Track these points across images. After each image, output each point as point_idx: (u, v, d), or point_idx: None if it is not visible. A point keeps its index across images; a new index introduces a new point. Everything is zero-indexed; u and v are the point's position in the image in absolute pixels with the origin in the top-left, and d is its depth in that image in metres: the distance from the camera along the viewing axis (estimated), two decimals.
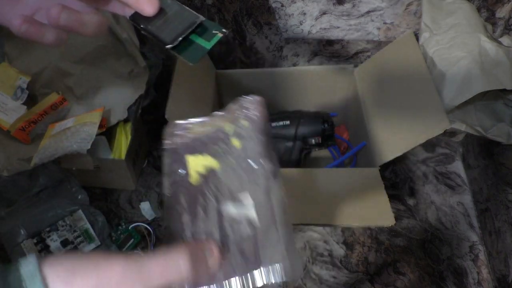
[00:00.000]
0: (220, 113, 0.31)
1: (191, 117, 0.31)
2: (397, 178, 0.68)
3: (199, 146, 0.31)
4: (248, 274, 0.24)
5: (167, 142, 0.31)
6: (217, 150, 0.31)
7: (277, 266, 0.24)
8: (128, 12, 0.29)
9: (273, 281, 0.24)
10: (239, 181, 0.28)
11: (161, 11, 0.29)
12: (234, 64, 0.76)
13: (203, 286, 0.24)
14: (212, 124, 0.31)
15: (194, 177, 0.31)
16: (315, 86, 0.68)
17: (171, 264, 0.22)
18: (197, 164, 0.31)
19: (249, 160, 0.29)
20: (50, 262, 0.20)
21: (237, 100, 0.31)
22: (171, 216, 0.30)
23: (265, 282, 0.25)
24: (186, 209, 0.29)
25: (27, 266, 0.19)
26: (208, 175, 0.30)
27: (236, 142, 0.31)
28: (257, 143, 0.30)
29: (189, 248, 0.23)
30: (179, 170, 0.31)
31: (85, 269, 0.20)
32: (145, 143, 0.71)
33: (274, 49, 0.75)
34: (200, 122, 0.31)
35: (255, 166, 0.29)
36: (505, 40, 0.62)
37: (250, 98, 0.31)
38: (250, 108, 0.32)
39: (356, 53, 0.74)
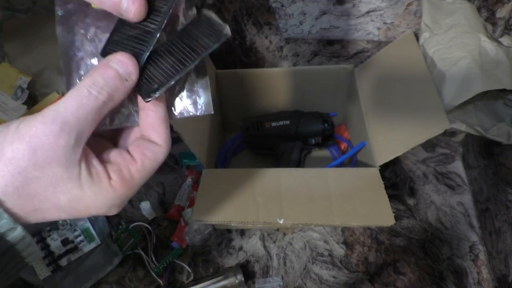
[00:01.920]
0: None
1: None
2: (397, 178, 0.68)
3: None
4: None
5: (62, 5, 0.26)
6: None
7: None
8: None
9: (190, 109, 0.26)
10: None
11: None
12: (234, 64, 0.76)
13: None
14: None
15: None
16: (315, 86, 0.68)
17: (77, 93, 0.21)
18: None
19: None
20: None
21: None
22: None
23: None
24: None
25: None
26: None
27: None
28: None
29: (91, 72, 0.22)
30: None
31: (10, 141, 0.20)
32: None
33: (274, 49, 0.75)
34: None
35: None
36: (505, 40, 0.62)
37: None
38: None
39: (356, 53, 0.74)
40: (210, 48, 0.24)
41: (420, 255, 0.59)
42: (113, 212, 0.24)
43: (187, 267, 0.59)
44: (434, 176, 0.67)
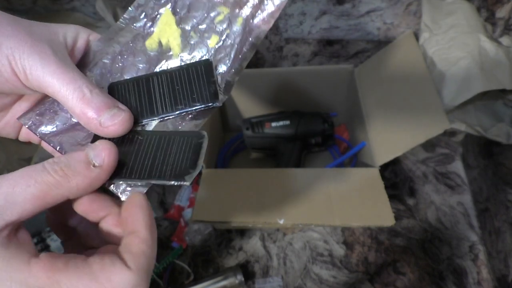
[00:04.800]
0: None
1: None
2: (397, 178, 0.68)
3: (182, 7, 0.24)
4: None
5: None
6: (191, 34, 0.24)
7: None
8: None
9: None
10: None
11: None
12: None
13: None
14: None
15: (151, 43, 0.24)
16: (315, 86, 0.68)
17: (31, 167, 0.19)
18: (165, 31, 0.24)
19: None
20: None
21: None
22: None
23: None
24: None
25: None
26: (162, 55, 0.24)
27: (214, 40, 0.24)
28: (231, 57, 0.23)
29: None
30: (146, 22, 0.24)
31: None
32: None
33: (274, 49, 0.75)
34: None
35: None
36: (505, 40, 0.62)
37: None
38: (265, 6, 0.23)
39: (356, 53, 0.74)
40: (163, 183, 0.21)
41: (420, 255, 0.59)
42: None
43: (187, 267, 0.59)
44: (434, 176, 0.67)
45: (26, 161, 0.57)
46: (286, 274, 0.58)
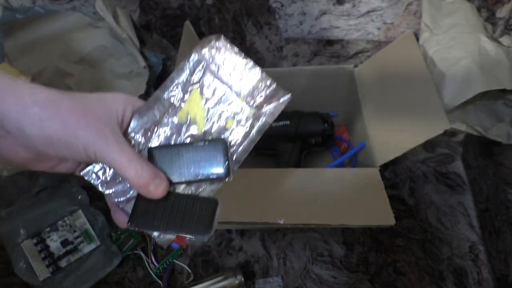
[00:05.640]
0: (255, 76, 0.30)
1: None
2: (397, 178, 0.68)
3: (211, 92, 0.30)
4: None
5: (201, 50, 0.29)
6: (213, 114, 0.30)
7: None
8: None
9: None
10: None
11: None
12: None
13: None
14: (238, 84, 0.30)
15: (182, 116, 0.30)
16: (315, 86, 0.68)
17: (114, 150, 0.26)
18: (193, 108, 0.30)
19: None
20: None
21: (271, 88, 0.31)
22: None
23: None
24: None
25: None
26: (189, 126, 0.30)
27: (230, 122, 0.30)
28: (242, 138, 0.30)
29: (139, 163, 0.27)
30: (178, 95, 0.30)
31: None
32: None
33: (274, 49, 0.75)
34: (243, 62, 0.30)
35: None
36: (505, 40, 0.62)
37: (284, 97, 0.31)
38: (272, 100, 0.31)
39: (356, 53, 0.74)
40: (188, 236, 0.28)
41: (420, 255, 0.59)
42: None
43: (187, 268, 0.59)
44: (434, 176, 0.67)
45: None
46: (286, 274, 0.58)
